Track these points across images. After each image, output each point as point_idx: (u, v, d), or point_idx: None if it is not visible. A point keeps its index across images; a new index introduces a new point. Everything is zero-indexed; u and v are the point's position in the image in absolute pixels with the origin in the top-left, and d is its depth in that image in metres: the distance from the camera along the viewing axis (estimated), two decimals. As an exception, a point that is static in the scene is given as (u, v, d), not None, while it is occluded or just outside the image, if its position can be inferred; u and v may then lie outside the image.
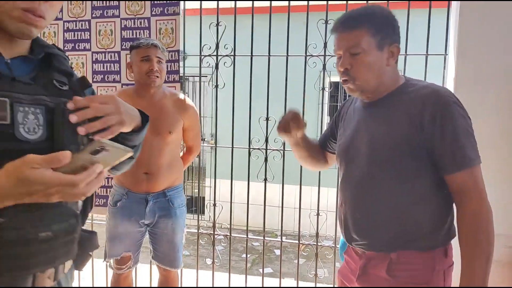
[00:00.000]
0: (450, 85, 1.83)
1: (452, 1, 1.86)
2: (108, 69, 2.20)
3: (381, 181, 1.11)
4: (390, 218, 1.10)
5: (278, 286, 2.35)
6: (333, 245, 2.23)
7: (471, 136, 1.06)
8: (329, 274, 2.34)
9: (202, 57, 2.23)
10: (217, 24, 2.16)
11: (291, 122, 1.27)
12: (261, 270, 2.42)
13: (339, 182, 1.25)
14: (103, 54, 2.19)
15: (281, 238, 2.32)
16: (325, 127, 5.07)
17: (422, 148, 1.06)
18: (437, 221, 1.10)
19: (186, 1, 2.17)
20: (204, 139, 5.34)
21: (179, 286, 2.12)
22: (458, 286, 1.03)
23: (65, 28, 2.23)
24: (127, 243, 1.92)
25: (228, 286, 2.37)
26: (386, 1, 1.91)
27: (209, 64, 2.25)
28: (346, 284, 1.25)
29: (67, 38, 2.23)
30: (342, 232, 1.23)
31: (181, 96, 1.94)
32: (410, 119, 1.06)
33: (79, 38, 2.22)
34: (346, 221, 1.19)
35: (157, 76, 1.79)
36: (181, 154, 2.07)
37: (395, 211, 1.10)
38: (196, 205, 5.32)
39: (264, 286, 2.36)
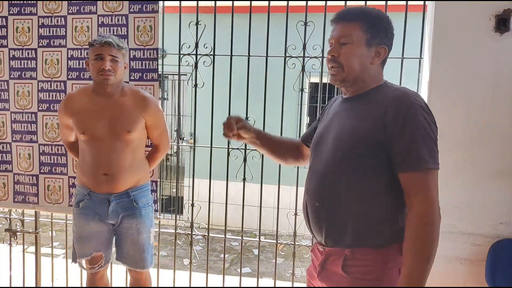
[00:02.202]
0: (424, 88, 1.88)
1: (428, 6, 1.91)
2: (84, 66, 2.14)
3: (340, 174, 1.16)
4: (345, 212, 1.16)
5: (256, 285, 2.36)
6: (310, 245, 2.25)
7: (431, 141, 1.09)
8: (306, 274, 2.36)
9: (181, 56, 2.21)
10: (197, 23, 2.14)
11: (226, 126, 1.43)
12: (239, 270, 2.42)
13: (307, 172, 1.29)
14: (79, 51, 2.15)
15: (259, 238, 2.33)
16: (304, 128, 5.12)
17: (381, 147, 1.10)
18: (390, 219, 1.14)
19: (165, -1, 2.15)
20: (183, 138, 5.29)
21: (152, 286, 2.09)
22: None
23: (40, 24, 2.17)
24: (96, 242, 1.89)
25: (205, 286, 2.36)
26: (363, 4, 1.94)
27: (188, 63, 2.23)
28: (312, 282, 1.28)
29: (42, 34, 2.17)
30: (305, 219, 1.28)
31: (142, 93, 1.87)
32: (375, 117, 1.12)
33: (54, 34, 2.16)
34: (306, 209, 1.25)
35: (110, 75, 1.73)
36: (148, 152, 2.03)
37: (350, 206, 1.15)
38: (174, 205, 5.26)
39: (241, 286, 2.36)
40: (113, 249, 1.98)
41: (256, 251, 4.42)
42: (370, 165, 1.12)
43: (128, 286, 2.03)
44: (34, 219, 2.45)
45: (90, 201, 1.84)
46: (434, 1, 1.79)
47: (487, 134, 1.77)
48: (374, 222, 1.14)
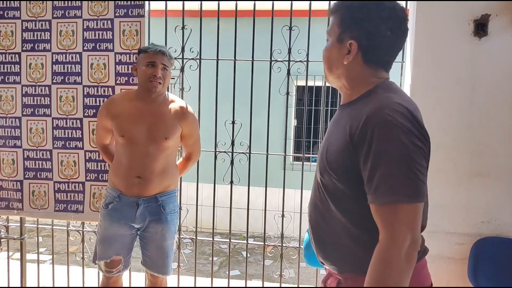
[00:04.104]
0: (406, 91, 1.92)
1: (409, 11, 1.96)
2: (69, 71, 2.14)
3: (324, 195, 1.02)
4: (333, 235, 1.02)
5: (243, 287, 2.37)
6: (298, 246, 2.27)
7: (407, 167, 0.86)
8: (294, 275, 2.38)
9: (168, 59, 2.22)
10: (183, 27, 2.15)
11: None
12: (228, 272, 2.43)
13: None
14: (64, 55, 2.14)
15: (247, 240, 2.34)
16: (291, 131, 5.15)
17: (355, 168, 0.93)
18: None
19: (151, 2, 2.15)
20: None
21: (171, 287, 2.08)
22: None
23: (24, 28, 2.15)
24: (117, 246, 1.90)
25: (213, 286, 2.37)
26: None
27: (175, 67, 2.24)
28: None
29: (26, 38, 2.16)
30: None
31: (182, 103, 1.92)
32: (347, 134, 0.94)
33: (38, 38, 2.15)
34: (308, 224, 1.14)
35: (160, 83, 1.79)
36: (180, 159, 2.06)
37: (337, 229, 1.00)
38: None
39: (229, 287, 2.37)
40: (133, 254, 1.97)
41: (245, 253, 4.44)
42: (350, 187, 0.95)
43: None
44: (19, 225, 2.42)
45: (119, 204, 1.86)
46: (415, 6, 1.83)
47: (466, 135, 1.81)
48: (364, 247, 0.96)
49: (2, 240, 2.44)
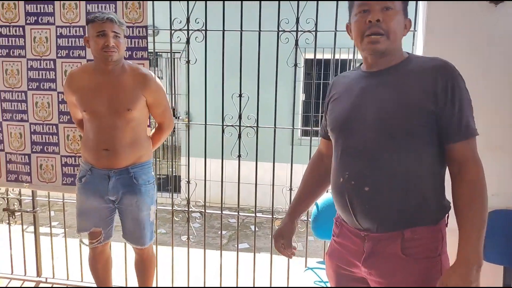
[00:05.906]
0: (418, 61, 1.86)
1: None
2: (44, 77, 2.14)
3: (390, 151, 1.10)
4: (403, 191, 1.10)
5: (253, 260, 2.40)
6: (306, 219, 2.28)
7: (472, 109, 1.12)
8: (302, 248, 2.40)
9: (173, 31, 2.18)
10: (188, -3, 2.10)
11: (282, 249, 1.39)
12: (238, 245, 2.46)
13: (338, 156, 1.19)
14: (39, 61, 2.13)
15: (255, 214, 2.35)
16: (300, 105, 5.10)
17: (432, 116, 1.08)
18: (440, 193, 1.15)
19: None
20: (179, 117, 5.26)
21: (155, 264, 2.12)
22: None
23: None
24: (95, 218, 1.92)
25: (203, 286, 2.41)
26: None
27: (180, 39, 2.20)
28: (345, 268, 1.23)
29: (0, 44, 2.16)
30: (342, 208, 1.18)
31: (143, 71, 1.86)
32: (424, 88, 1.08)
33: (13, 44, 2.14)
34: (350, 197, 1.14)
35: (114, 51, 1.73)
36: (153, 130, 2.04)
37: (407, 184, 1.10)
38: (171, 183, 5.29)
39: (238, 260, 2.41)
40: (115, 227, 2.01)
41: (253, 227, 4.49)
42: (422, 137, 1.09)
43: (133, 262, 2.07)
44: (31, 198, 2.47)
45: (91, 177, 1.87)
46: (429, -29, 1.75)
47: (480, 106, 1.74)
48: (429, 197, 1.11)
49: (15, 213, 2.49)
